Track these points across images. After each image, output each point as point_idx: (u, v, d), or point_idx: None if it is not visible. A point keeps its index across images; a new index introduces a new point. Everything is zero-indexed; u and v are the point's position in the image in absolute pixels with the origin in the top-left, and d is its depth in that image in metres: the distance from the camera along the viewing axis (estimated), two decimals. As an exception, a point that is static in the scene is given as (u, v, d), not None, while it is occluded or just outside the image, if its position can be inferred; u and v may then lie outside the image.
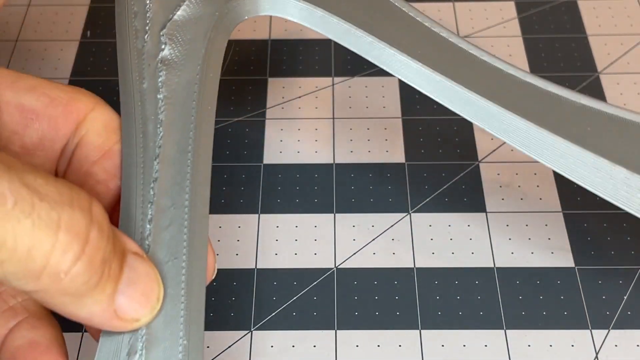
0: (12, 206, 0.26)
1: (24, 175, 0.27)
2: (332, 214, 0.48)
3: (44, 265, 0.27)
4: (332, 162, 0.50)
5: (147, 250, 0.33)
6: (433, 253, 0.46)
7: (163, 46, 0.38)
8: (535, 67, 0.55)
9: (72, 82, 0.55)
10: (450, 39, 0.41)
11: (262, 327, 0.43)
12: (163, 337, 0.32)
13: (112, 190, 0.35)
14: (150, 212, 0.33)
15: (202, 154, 0.35)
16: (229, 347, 0.43)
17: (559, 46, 0.57)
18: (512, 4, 0.60)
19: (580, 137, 0.38)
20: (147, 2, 0.39)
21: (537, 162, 0.49)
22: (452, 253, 0.46)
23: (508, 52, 0.56)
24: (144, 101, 0.36)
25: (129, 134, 0.35)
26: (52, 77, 0.55)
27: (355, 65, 0.56)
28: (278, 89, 0.54)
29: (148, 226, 0.33)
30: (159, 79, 0.37)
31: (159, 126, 0.35)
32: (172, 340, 0.32)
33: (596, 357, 0.42)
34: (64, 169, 0.35)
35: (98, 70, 0.55)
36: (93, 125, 0.35)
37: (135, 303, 0.30)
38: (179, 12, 0.39)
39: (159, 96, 0.36)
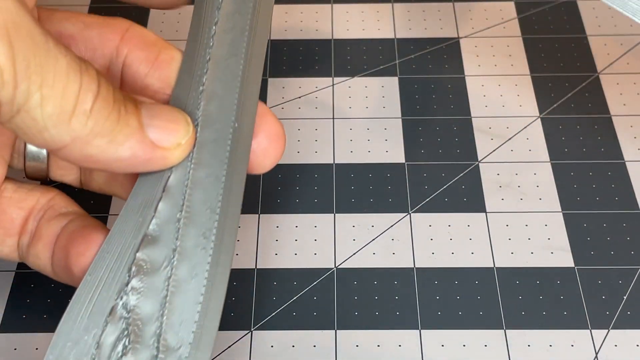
0: (53, 45, 0.29)
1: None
2: (332, 214, 0.48)
3: (74, 105, 0.30)
4: (332, 162, 0.50)
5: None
6: (433, 253, 0.46)
7: None
8: (535, 67, 0.55)
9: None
10: None
11: (262, 327, 0.43)
12: (208, 163, 0.34)
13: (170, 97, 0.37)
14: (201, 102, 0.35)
15: (255, 57, 0.36)
16: (229, 347, 0.43)
17: (559, 46, 0.57)
18: (512, 4, 0.60)
19: None
20: None
21: (537, 162, 0.49)
22: (452, 253, 0.46)
23: (508, 52, 0.56)
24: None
25: (195, 40, 0.36)
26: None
27: (355, 65, 0.56)
28: (278, 89, 0.54)
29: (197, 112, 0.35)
30: None
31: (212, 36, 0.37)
32: (206, 222, 0.33)
33: (596, 357, 0.42)
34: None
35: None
36: (132, 42, 0.36)
37: (167, 130, 0.33)
38: None
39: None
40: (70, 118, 0.30)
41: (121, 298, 0.32)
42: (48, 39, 0.29)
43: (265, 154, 0.36)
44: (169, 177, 0.34)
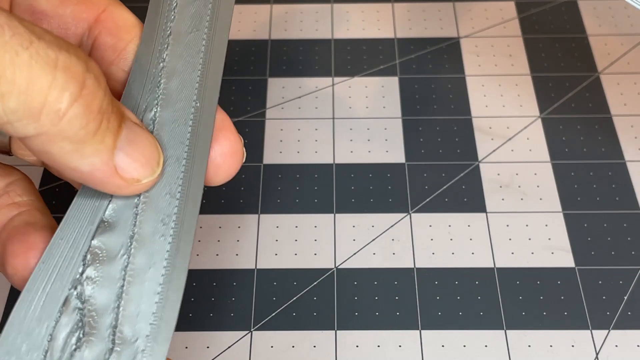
0: (10, 37, 0.27)
1: (22, 19, 0.28)
2: (332, 214, 0.48)
3: (42, 102, 0.27)
4: (332, 162, 0.50)
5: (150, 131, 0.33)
6: (433, 253, 0.46)
7: None
8: (535, 67, 0.55)
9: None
10: None
11: (262, 327, 0.43)
12: (157, 207, 0.32)
13: None
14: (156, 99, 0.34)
15: (217, 39, 0.35)
16: (229, 347, 0.43)
17: (559, 46, 0.57)
18: (512, 4, 0.60)
19: None
20: None
21: (538, 162, 0.49)
22: (452, 253, 0.46)
23: (508, 52, 0.56)
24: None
25: (152, 26, 0.35)
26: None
27: (355, 65, 0.56)
28: (278, 89, 0.54)
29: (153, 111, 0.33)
30: None
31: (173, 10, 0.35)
32: (165, 208, 0.32)
33: (596, 357, 0.42)
34: None
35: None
36: (105, 25, 0.35)
37: (135, 162, 0.31)
38: None
39: None
40: (38, 115, 0.28)
41: (75, 288, 0.31)
42: (4, 31, 0.27)
43: (216, 171, 0.34)
44: None
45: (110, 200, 0.32)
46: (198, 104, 0.33)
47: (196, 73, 0.34)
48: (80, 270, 0.31)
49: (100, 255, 0.31)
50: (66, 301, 0.30)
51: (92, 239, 0.31)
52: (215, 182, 0.34)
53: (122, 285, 0.31)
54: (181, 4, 0.35)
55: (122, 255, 0.31)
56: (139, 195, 0.32)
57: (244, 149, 0.34)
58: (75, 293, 0.31)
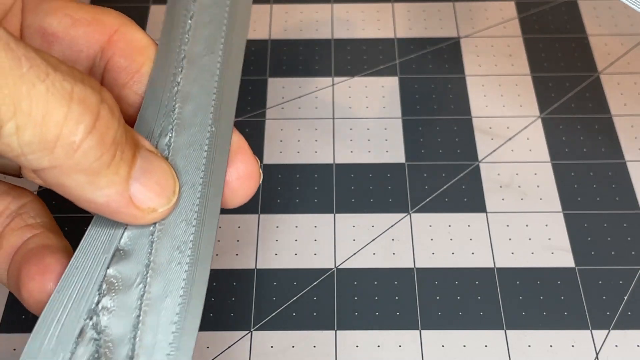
0: (27, 70, 0.27)
1: (38, 50, 0.28)
2: (332, 214, 0.48)
3: (57, 135, 0.27)
4: (332, 162, 0.50)
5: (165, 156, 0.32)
6: (433, 253, 0.46)
7: None
8: (535, 67, 0.55)
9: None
10: None
11: (262, 327, 0.43)
12: (173, 235, 0.31)
13: None
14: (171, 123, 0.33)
15: (232, 66, 0.34)
16: (229, 347, 0.43)
17: (559, 46, 0.57)
18: (512, 4, 0.60)
19: None
20: None
21: (538, 162, 0.49)
22: (452, 253, 0.46)
23: (508, 52, 0.56)
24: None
25: (167, 50, 0.34)
26: (51, 77, 0.55)
27: (355, 65, 0.56)
28: (278, 89, 0.54)
29: (167, 137, 0.33)
30: None
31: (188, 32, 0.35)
32: (181, 235, 0.31)
33: (596, 357, 0.42)
34: None
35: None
36: (118, 46, 0.34)
37: (150, 192, 0.30)
38: None
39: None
40: (52, 147, 0.27)
41: (91, 318, 0.30)
42: (21, 63, 0.26)
43: (233, 194, 0.33)
44: None
45: (125, 229, 0.31)
46: (213, 129, 0.33)
47: (211, 97, 0.34)
48: (95, 300, 0.30)
49: (116, 284, 0.31)
50: (82, 332, 0.30)
51: (108, 267, 0.31)
52: (232, 205, 0.33)
53: (139, 315, 0.30)
54: (195, 26, 0.35)
55: (138, 284, 0.31)
56: (155, 223, 0.31)
57: (260, 171, 0.34)
58: (90, 324, 0.30)
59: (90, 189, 0.29)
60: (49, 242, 0.33)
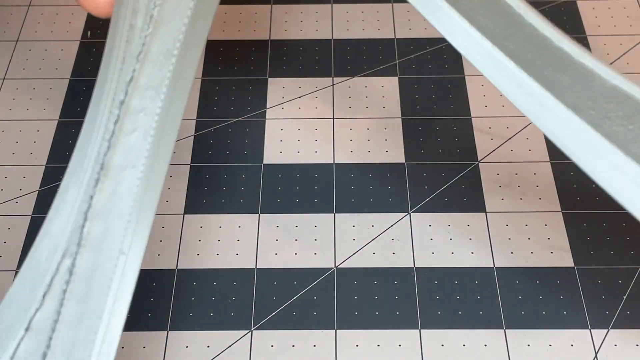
0: None
1: None
2: (332, 214, 0.48)
3: None
4: (332, 162, 0.50)
5: (105, 152, 0.33)
6: (433, 253, 0.46)
7: None
8: (535, 67, 0.55)
9: (73, 82, 0.55)
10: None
11: (262, 327, 0.43)
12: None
13: None
14: (117, 113, 0.33)
15: (188, 60, 0.34)
16: (229, 347, 0.43)
17: (558, 46, 0.57)
18: (512, 4, 0.59)
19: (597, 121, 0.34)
20: None
21: (537, 162, 0.49)
22: (452, 253, 0.46)
23: (508, 52, 0.56)
24: None
25: (116, 23, 0.34)
26: (52, 77, 0.55)
27: (355, 65, 0.56)
28: (278, 89, 0.54)
29: (111, 127, 0.33)
30: None
31: (148, 21, 0.35)
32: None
33: (596, 356, 0.42)
34: None
35: (98, 70, 0.55)
36: None
37: None
38: None
39: None
40: None
41: None
42: None
43: None
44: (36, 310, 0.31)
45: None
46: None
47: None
48: None
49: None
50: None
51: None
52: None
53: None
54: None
55: None
56: (48, 346, 0.31)
57: None
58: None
59: None
60: None
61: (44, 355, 0.30)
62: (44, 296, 0.30)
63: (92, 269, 0.30)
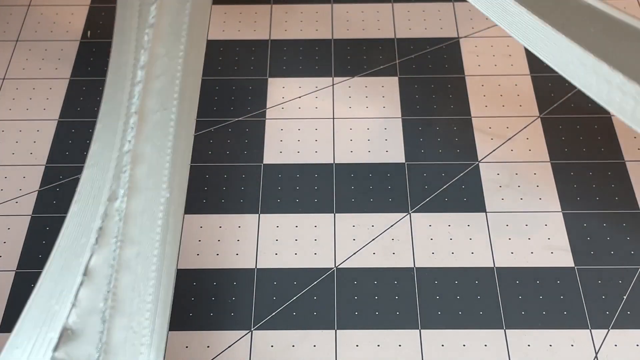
0: None
1: None
2: (332, 214, 0.48)
3: None
4: (332, 162, 0.50)
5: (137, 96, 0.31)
6: (433, 253, 0.46)
7: None
8: (535, 67, 0.55)
9: (73, 82, 0.55)
10: None
11: (262, 327, 0.43)
12: (146, 187, 0.30)
13: None
14: (142, 59, 0.32)
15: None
16: (229, 347, 0.43)
17: (558, 46, 0.57)
18: (512, 4, 0.59)
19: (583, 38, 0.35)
20: None
21: (537, 162, 0.49)
22: (452, 253, 0.46)
23: (508, 52, 0.56)
24: None
25: None
26: (52, 77, 0.55)
27: (355, 65, 0.56)
28: (278, 89, 0.54)
29: (140, 72, 0.31)
30: None
31: None
32: (155, 190, 0.30)
33: (596, 356, 0.42)
34: None
35: (98, 70, 0.55)
36: None
37: None
38: None
39: None
40: None
41: None
42: None
43: None
44: (90, 257, 0.29)
45: (73, 304, 0.30)
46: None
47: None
48: None
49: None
50: None
51: (55, 349, 0.29)
52: None
53: None
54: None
55: None
56: (106, 299, 0.30)
57: None
58: None
59: None
60: None
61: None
62: (97, 240, 0.29)
63: (141, 211, 0.29)
